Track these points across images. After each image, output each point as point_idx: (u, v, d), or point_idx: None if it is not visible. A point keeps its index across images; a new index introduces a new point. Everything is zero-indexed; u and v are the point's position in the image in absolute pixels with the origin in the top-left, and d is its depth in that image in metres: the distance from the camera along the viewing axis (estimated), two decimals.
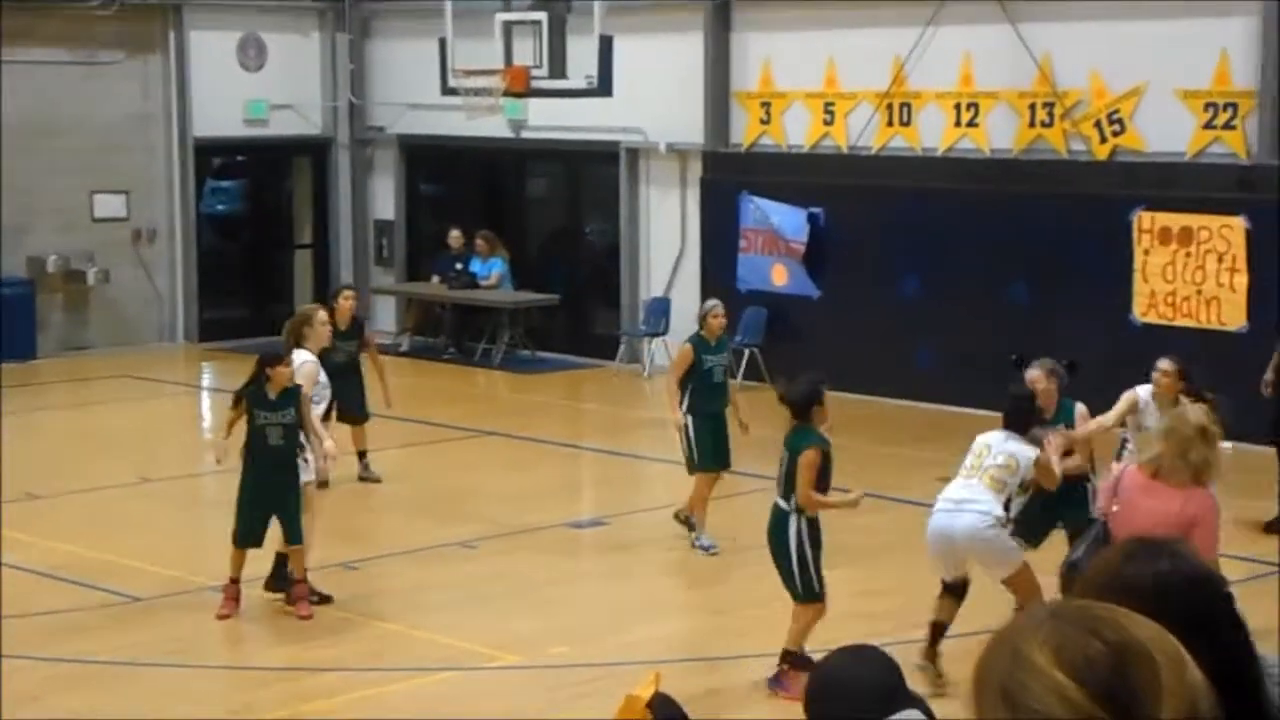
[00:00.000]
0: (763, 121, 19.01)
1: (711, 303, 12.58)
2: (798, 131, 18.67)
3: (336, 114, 22.70)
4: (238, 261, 22.90)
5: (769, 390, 16.59)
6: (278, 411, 10.21)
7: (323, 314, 11.69)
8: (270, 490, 10.24)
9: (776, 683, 9.12)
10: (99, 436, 16.62)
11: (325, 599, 10.60)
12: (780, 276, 18.50)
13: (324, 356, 11.53)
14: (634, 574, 11.97)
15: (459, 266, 20.85)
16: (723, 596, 11.26)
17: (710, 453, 11.92)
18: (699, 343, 12.11)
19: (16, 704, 9.05)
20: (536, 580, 11.45)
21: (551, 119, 20.18)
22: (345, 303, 13.83)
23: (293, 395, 10.30)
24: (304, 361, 10.91)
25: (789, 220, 18.30)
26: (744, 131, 19.20)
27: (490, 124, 19.84)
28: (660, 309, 19.79)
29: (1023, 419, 9.43)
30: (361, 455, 14.00)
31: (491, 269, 20.73)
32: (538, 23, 17.26)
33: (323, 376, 11.35)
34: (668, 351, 19.33)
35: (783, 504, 9.22)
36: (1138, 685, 1.74)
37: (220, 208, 22.97)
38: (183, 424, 17.83)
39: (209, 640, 10.24)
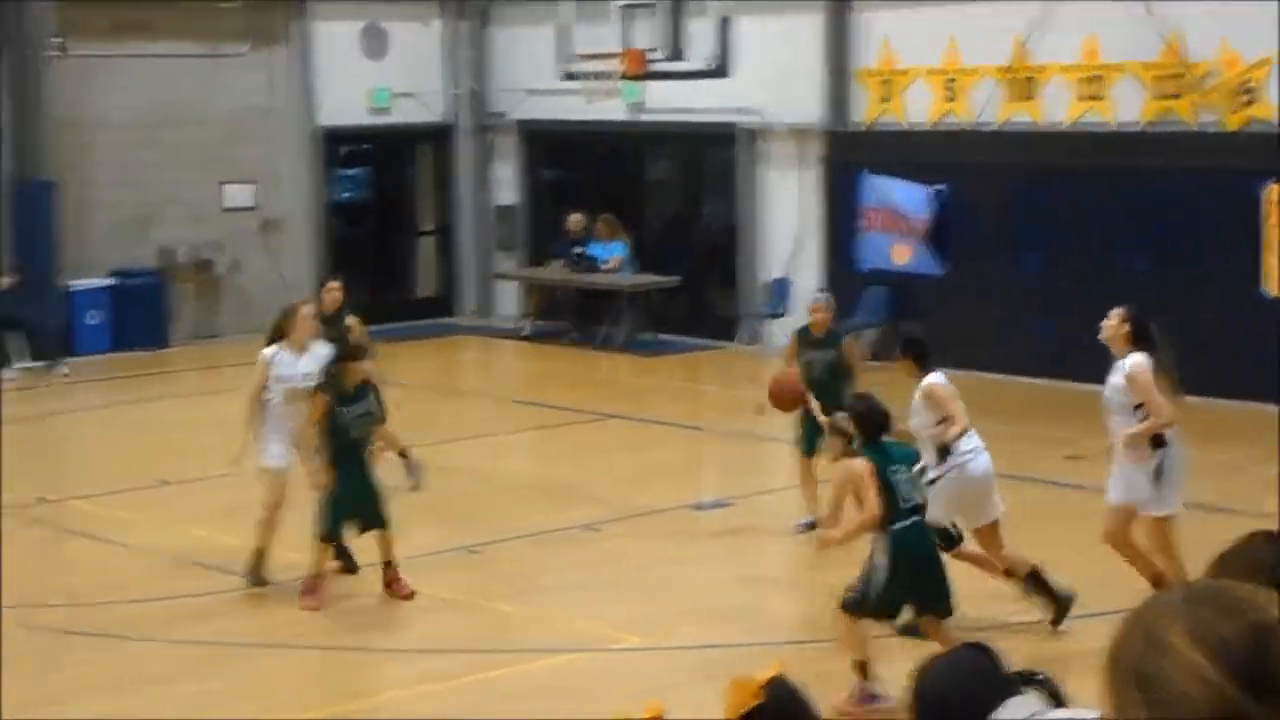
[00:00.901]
0: (883, 99, 18.83)
1: (815, 296, 12.57)
2: (919, 108, 18.47)
3: (458, 101, 22.87)
4: (362, 249, 23.14)
5: (892, 371, 16.46)
6: (358, 404, 10.42)
7: (308, 307, 11.33)
8: (357, 481, 10.40)
9: None
10: (229, 423, 16.88)
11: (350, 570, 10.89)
12: (902, 255, 18.32)
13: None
14: (757, 555, 11.95)
15: (580, 250, 20.92)
16: (847, 578, 11.17)
17: (804, 440, 11.88)
18: (801, 334, 12.17)
19: (145, 686, 9.25)
20: (659, 562, 11.47)
21: (670, 101, 20.16)
22: (329, 295, 13.05)
23: (368, 386, 10.50)
24: (267, 362, 10.87)
25: (911, 198, 18.11)
26: (864, 109, 19.04)
27: (609, 108, 19.89)
28: (780, 289, 19.71)
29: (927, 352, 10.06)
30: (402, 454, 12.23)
31: (612, 252, 20.77)
32: (655, 5, 17.27)
33: (284, 369, 10.80)
34: (789, 332, 19.28)
35: (921, 518, 8.95)
36: (1277, 663, 1.73)
37: (345, 196, 23.25)
38: None
39: (331, 623, 10.36)
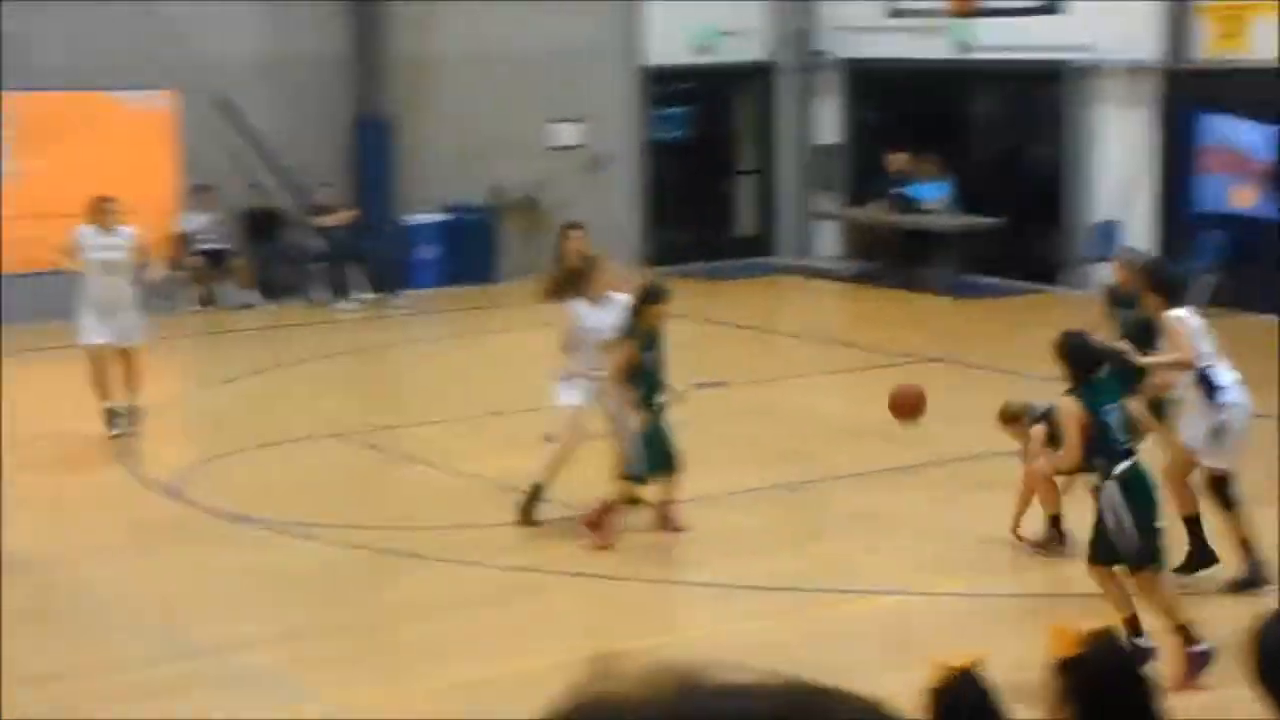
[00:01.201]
0: (1228, 34, 17.95)
1: (1120, 251, 12.20)
2: (1266, 44, 17.54)
3: (782, 39, 22.77)
4: (683, 188, 23.33)
5: (1226, 319, 15.90)
6: (658, 347, 10.57)
7: (611, 261, 11.14)
8: (660, 424, 10.52)
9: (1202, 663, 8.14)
10: (554, 359, 17.32)
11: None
12: (1244, 198, 17.52)
13: None
14: (1071, 506, 11.63)
15: (901, 190, 20.65)
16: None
17: None
18: (1111, 292, 11.71)
19: (458, 611, 9.58)
20: (972, 508, 11.30)
21: (999, 38, 19.66)
22: (572, 244, 12.04)
23: (661, 328, 10.60)
24: (575, 316, 10.88)
25: (1256, 139, 17.28)
26: (1206, 45, 18.19)
27: (936, 45, 19.50)
28: (1108, 233, 19.07)
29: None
30: None
31: (935, 193, 20.44)
32: None
33: (590, 321, 10.85)
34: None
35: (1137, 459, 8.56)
36: None
37: (668, 134, 23.46)
38: None
39: (639, 557, 10.45)
